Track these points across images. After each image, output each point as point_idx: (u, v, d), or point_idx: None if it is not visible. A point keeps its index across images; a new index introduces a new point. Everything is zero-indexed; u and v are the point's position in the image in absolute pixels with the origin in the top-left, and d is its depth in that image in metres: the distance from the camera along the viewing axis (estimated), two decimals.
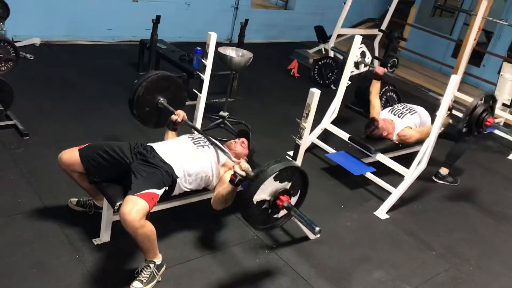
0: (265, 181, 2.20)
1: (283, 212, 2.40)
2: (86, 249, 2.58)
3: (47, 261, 2.45)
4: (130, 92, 3.06)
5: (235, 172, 2.37)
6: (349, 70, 4.08)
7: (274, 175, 2.21)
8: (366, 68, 4.28)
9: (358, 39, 3.92)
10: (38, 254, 2.49)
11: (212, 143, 2.76)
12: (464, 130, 3.39)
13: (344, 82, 4.10)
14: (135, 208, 2.19)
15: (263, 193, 2.25)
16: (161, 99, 3.12)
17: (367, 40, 4.25)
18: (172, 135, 3.00)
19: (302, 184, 2.43)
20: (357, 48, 3.97)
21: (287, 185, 2.33)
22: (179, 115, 2.96)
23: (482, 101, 3.32)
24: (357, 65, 4.21)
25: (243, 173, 2.36)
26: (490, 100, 3.40)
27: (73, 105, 4.20)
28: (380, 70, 4.06)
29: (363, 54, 4.21)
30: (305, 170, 2.41)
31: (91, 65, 5.23)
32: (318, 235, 2.25)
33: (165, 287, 2.44)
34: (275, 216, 2.41)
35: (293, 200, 2.42)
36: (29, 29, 5.31)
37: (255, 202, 2.24)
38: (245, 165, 2.40)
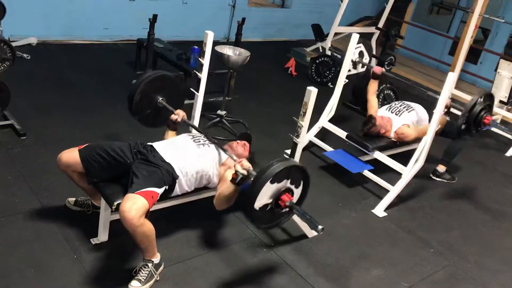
0: (262, 189, 2.15)
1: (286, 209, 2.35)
2: (84, 248, 2.58)
3: (45, 261, 2.45)
4: (128, 98, 3.02)
5: (236, 171, 2.36)
6: (346, 68, 4.08)
7: (269, 180, 2.16)
8: (364, 68, 4.28)
9: (355, 37, 3.92)
10: (36, 254, 2.48)
11: (212, 142, 2.76)
12: (462, 127, 3.39)
13: (342, 80, 4.10)
14: (135, 206, 2.19)
15: (263, 198, 2.22)
16: (160, 98, 3.10)
17: (367, 41, 4.24)
18: (172, 135, 2.99)
19: (302, 177, 2.36)
20: (354, 47, 3.97)
21: (286, 183, 2.28)
22: (179, 114, 2.95)
23: (482, 99, 3.33)
24: (355, 64, 4.21)
25: (245, 172, 2.35)
26: (489, 99, 3.41)
27: (70, 104, 4.19)
28: (378, 69, 4.07)
29: (361, 54, 4.21)
30: (300, 164, 2.36)
31: (88, 64, 5.22)
32: (321, 233, 2.21)
33: (163, 286, 2.44)
34: (281, 211, 2.35)
35: (297, 192, 2.35)
36: (25, 28, 5.29)
37: (257, 209, 2.21)
38: (247, 164, 2.39)
